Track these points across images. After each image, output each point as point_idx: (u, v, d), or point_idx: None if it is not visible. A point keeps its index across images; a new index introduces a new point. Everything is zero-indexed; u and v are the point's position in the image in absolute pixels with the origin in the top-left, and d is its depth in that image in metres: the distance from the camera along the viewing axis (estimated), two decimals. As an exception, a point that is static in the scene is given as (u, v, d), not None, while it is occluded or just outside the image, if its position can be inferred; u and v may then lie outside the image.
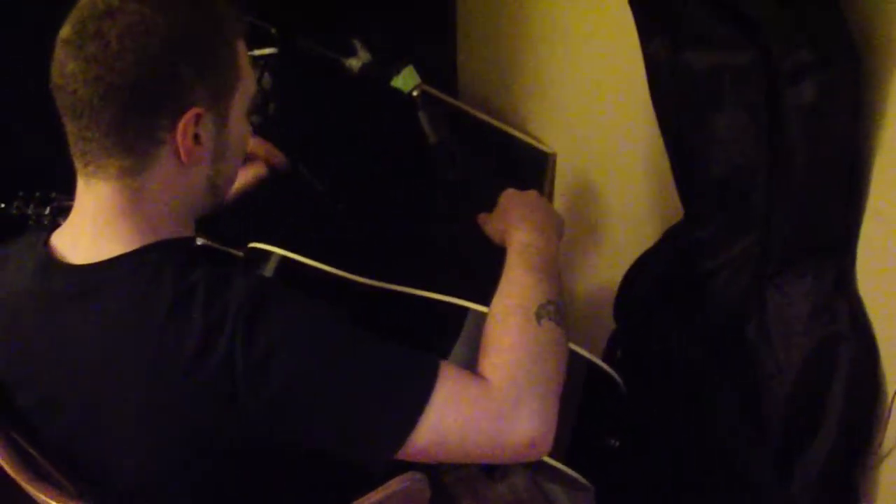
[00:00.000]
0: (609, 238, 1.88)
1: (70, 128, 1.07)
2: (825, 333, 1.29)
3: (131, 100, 1.02)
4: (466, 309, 1.27)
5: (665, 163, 1.42)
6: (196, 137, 1.08)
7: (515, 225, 1.27)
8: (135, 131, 1.05)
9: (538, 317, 1.11)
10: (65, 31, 1.04)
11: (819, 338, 1.30)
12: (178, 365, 0.99)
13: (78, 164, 1.09)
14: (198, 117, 1.06)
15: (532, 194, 1.37)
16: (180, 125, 1.05)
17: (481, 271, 1.30)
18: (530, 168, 1.99)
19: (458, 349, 1.25)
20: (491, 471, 1.83)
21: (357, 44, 1.63)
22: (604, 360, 1.58)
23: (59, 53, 1.04)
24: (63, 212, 1.52)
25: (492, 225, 1.34)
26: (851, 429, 1.31)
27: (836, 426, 1.30)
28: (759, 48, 1.20)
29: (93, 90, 1.02)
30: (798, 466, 1.33)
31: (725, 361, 1.41)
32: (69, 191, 1.13)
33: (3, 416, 1.15)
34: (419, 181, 1.86)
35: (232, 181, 1.20)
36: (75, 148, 1.08)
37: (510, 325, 1.10)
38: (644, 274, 1.57)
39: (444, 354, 1.25)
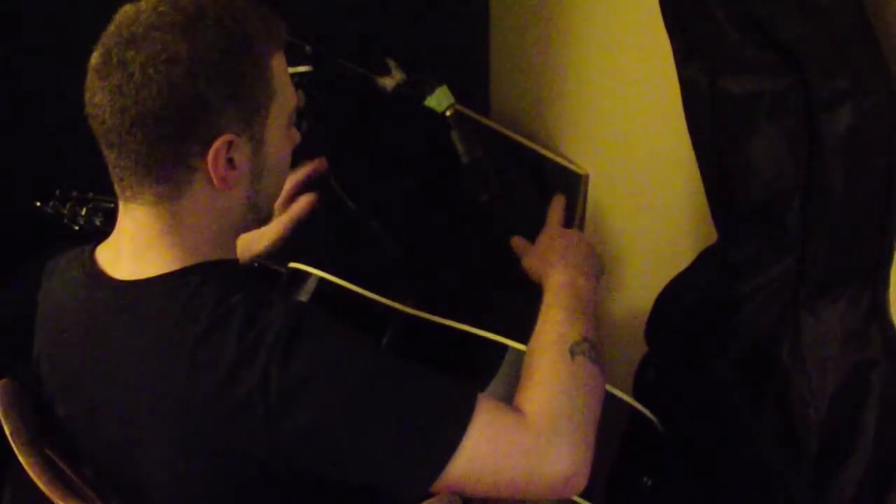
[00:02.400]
0: (642, 259, 1.88)
1: (105, 155, 1.06)
2: (858, 358, 1.30)
3: (157, 130, 1.01)
4: (505, 345, 1.28)
5: (699, 185, 1.42)
6: (230, 162, 1.06)
7: (553, 265, 1.28)
8: (165, 160, 1.03)
9: (572, 353, 1.10)
10: (93, 59, 1.04)
11: (852, 363, 1.30)
12: (210, 386, 0.99)
13: (116, 189, 1.09)
14: (230, 143, 1.04)
15: (573, 234, 1.38)
16: (211, 153, 1.03)
17: (516, 298, 1.30)
18: (563, 188, 1.99)
19: (495, 386, 1.26)
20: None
21: (391, 63, 1.63)
22: (636, 380, 1.58)
23: (89, 81, 1.04)
24: (99, 213, 1.53)
25: (529, 262, 1.35)
26: (884, 452, 1.30)
27: (869, 450, 1.30)
28: (797, 75, 1.20)
29: (120, 121, 1.01)
30: (831, 489, 1.33)
31: (759, 384, 1.41)
32: (107, 192, 1.12)
33: (40, 433, 1.17)
34: (451, 201, 1.86)
35: (274, 198, 1.18)
36: (113, 174, 1.07)
37: (544, 360, 1.11)
38: (678, 296, 1.56)
39: (480, 389, 1.25)
